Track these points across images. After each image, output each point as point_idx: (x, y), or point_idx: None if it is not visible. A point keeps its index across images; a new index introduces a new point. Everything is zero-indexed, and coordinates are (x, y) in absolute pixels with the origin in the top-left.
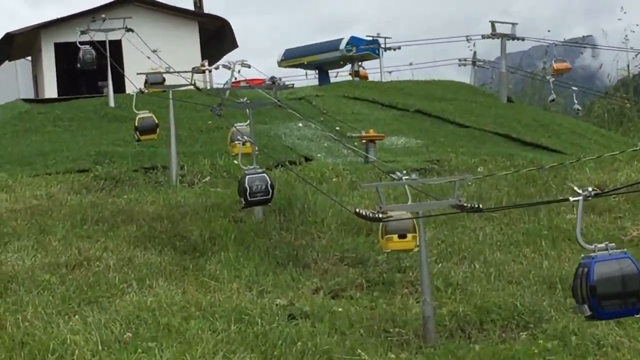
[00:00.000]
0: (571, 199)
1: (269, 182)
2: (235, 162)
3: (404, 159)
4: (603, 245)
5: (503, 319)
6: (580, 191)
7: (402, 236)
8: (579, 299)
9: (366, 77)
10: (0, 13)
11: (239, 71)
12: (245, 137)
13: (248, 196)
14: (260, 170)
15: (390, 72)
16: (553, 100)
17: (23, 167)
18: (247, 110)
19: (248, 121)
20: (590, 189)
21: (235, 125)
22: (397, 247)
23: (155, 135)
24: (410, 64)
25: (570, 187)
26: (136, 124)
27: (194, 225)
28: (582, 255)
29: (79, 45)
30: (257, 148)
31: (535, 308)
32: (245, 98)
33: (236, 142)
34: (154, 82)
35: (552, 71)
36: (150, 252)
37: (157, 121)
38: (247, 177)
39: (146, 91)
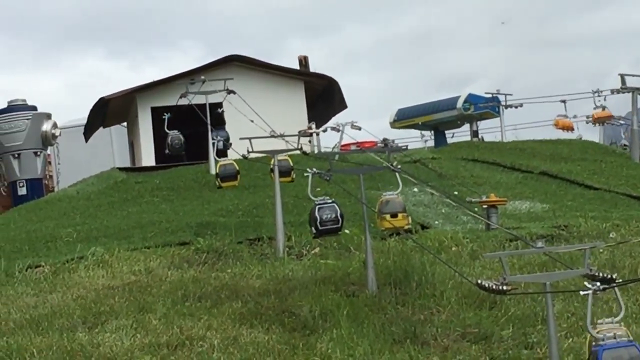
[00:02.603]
0: (582, 292)
1: (339, 211)
2: (347, 231)
3: (529, 225)
4: (612, 334)
5: None
6: (590, 285)
7: (394, 215)
8: None
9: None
10: (97, 77)
11: (352, 130)
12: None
13: (319, 225)
14: (330, 201)
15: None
16: None
17: (120, 240)
18: (359, 176)
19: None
20: (598, 283)
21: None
22: (391, 225)
23: (236, 182)
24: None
25: None
26: (217, 171)
27: (303, 301)
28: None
29: (167, 131)
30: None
31: None
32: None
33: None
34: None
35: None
36: (257, 330)
37: (237, 168)
38: (317, 207)
39: (248, 157)
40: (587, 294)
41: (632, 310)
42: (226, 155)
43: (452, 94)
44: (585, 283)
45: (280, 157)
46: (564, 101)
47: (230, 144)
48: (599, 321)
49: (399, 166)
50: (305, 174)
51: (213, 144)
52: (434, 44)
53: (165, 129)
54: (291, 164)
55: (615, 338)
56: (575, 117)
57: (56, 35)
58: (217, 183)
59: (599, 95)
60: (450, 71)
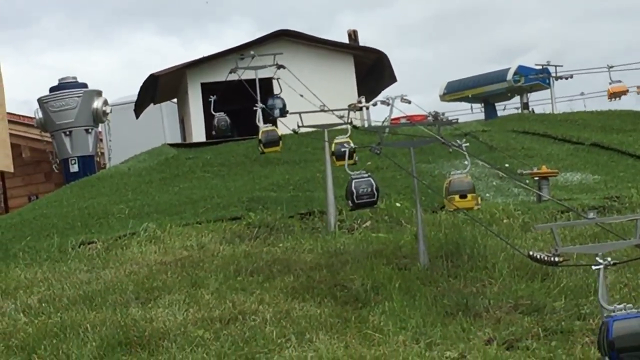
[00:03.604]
0: (593, 267)
1: (375, 185)
2: (398, 204)
3: (580, 197)
4: (621, 306)
5: None
6: (601, 260)
7: (463, 196)
8: (602, 352)
9: None
10: (150, 54)
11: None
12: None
13: (355, 199)
14: (366, 175)
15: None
16: None
17: (172, 216)
18: (410, 149)
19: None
20: (609, 258)
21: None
22: (459, 206)
23: (278, 147)
24: (582, 93)
25: None
26: (260, 137)
27: (355, 274)
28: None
29: (213, 113)
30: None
31: None
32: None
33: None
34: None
35: (607, 95)
36: (309, 304)
37: (280, 134)
38: (354, 181)
39: (298, 131)
40: (599, 269)
41: None
42: (275, 125)
43: (502, 66)
44: (597, 258)
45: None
46: (611, 66)
47: (287, 112)
48: None
49: (464, 142)
50: (342, 149)
51: (270, 111)
52: (485, 17)
53: (212, 110)
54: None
55: (625, 310)
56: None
57: (109, 11)
58: (260, 149)
59: None
60: (501, 44)
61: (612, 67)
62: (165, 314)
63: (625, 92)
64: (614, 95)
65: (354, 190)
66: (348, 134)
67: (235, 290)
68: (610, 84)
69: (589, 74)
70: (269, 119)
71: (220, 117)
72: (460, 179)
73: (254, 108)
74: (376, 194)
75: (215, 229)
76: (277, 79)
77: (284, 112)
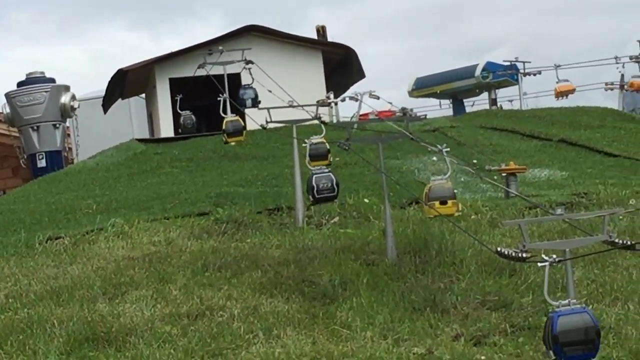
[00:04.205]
0: (539, 264)
1: (335, 180)
2: (366, 200)
3: (548, 193)
4: (566, 301)
5: None
6: (546, 257)
7: (443, 202)
8: (547, 347)
9: None
10: (120, 48)
11: (370, 100)
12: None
13: (316, 193)
14: (326, 170)
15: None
16: None
17: (140, 211)
18: (379, 145)
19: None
20: (554, 255)
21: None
22: (439, 213)
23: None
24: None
25: None
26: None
27: (322, 270)
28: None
29: (179, 112)
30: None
31: None
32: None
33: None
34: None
35: (630, 86)
36: (276, 300)
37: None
38: (315, 176)
39: (267, 127)
40: (545, 266)
41: None
42: (244, 119)
43: (471, 62)
44: (543, 255)
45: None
46: (558, 65)
47: (259, 102)
48: None
49: (445, 147)
50: (303, 144)
51: (241, 102)
52: (456, 13)
53: (178, 109)
54: (327, 146)
55: (569, 305)
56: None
57: (80, 6)
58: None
59: (617, 62)
60: (470, 40)
61: (559, 66)
62: (133, 310)
63: (572, 91)
64: (561, 94)
65: (315, 185)
66: (323, 134)
67: (202, 286)
68: (557, 82)
69: (557, 70)
70: (241, 110)
71: (186, 115)
72: (441, 184)
73: (218, 98)
74: (336, 189)
75: (183, 224)
76: (249, 68)
77: (256, 103)
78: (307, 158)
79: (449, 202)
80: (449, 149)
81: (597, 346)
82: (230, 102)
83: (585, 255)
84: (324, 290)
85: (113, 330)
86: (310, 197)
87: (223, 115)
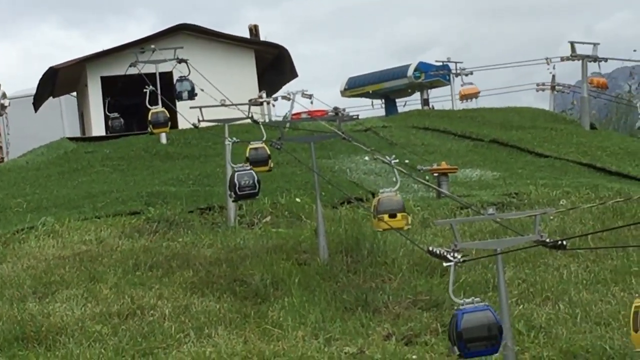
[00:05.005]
0: (445, 264)
1: (256, 177)
2: (298, 200)
3: (480, 193)
4: (470, 299)
5: None
6: (451, 257)
7: (393, 216)
8: (452, 342)
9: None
10: (52, 46)
11: (304, 101)
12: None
13: (238, 190)
14: (248, 168)
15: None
16: None
17: (70, 210)
18: (310, 144)
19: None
20: (459, 256)
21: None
22: (388, 227)
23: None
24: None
25: None
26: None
27: (254, 269)
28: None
29: (108, 114)
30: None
31: (626, 351)
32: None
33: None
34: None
35: (590, 83)
36: (208, 299)
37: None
38: (237, 173)
39: (199, 126)
40: (450, 266)
41: (582, 276)
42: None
43: (404, 62)
44: (448, 256)
45: (256, 144)
46: (463, 69)
47: (196, 94)
48: None
49: (394, 158)
50: (227, 142)
51: (178, 94)
52: (390, 13)
53: (106, 111)
54: (268, 152)
55: (473, 303)
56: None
57: (10, 4)
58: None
59: (548, 63)
60: (404, 40)
61: (464, 69)
62: (63, 309)
63: (476, 94)
64: (465, 97)
65: (237, 182)
66: (263, 139)
67: (134, 285)
68: (462, 85)
69: (489, 70)
70: (173, 108)
71: (114, 117)
72: (390, 197)
73: (144, 90)
74: (257, 186)
75: (114, 223)
76: (186, 60)
77: (192, 95)
78: (248, 164)
79: (399, 215)
80: (397, 160)
81: (499, 342)
82: (162, 99)
83: (486, 257)
84: (256, 289)
85: (43, 329)
86: (232, 194)
87: (149, 106)
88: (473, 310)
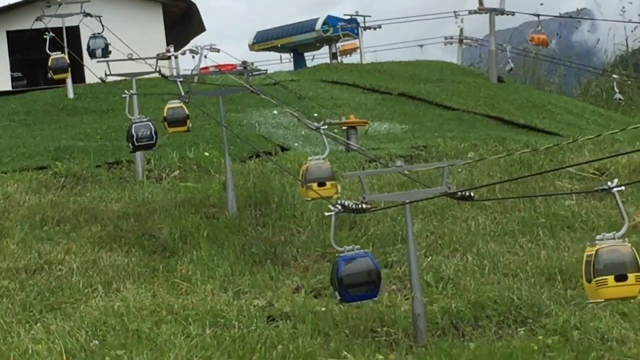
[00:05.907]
0: (326, 213)
1: (153, 129)
2: (207, 154)
3: (388, 146)
4: (350, 247)
5: (499, 315)
6: (332, 207)
7: (322, 184)
8: (334, 288)
9: None
10: None
11: (205, 56)
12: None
13: (135, 142)
14: (145, 119)
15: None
16: (511, 69)
17: None
18: (218, 98)
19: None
20: (339, 206)
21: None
22: (317, 195)
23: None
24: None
25: (568, 171)
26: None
27: (163, 223)
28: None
29: (49, 53)
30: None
31: (533, 302)
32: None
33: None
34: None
35: (530, 41)
36: (116, 254)
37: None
38: (134, 125)
39: (106, 80)
40: (330, 215)
41: (490, 228)
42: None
43: (312, 16)
44: (330, 206)
45: (174, 103)
46: (342, 27)
47: (110, 52)
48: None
49: (323, 124)
50: (123, 95)
51: (92, 52)
52: None
53: (10, 70)
54: (186, 112)
55: (352, 250)
56: None
57: None
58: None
59: (456, 17)
60: None
61: (343, 28)
62: None
63: (355, 49)
64: (344, 52)
65: (134, 134)
66: (182, 100)
67: (41, 240)
68: (341, 42)
69: (398, 24)
70: (79, 60)
71: (17, 76)
72: (318, 165)
73: (44, 36)
74: (155, 137)
75: (21, 178)
76: (99, 17)
77: (106, 52)
78: (165, 123)
79: (328, 183)
80: (326, 127)
81: (378, 287)
82: (69, 53)
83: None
84: (164, 243)
85: None
86: (130, 145)
87: (49, 52)
88: (353, 257)
